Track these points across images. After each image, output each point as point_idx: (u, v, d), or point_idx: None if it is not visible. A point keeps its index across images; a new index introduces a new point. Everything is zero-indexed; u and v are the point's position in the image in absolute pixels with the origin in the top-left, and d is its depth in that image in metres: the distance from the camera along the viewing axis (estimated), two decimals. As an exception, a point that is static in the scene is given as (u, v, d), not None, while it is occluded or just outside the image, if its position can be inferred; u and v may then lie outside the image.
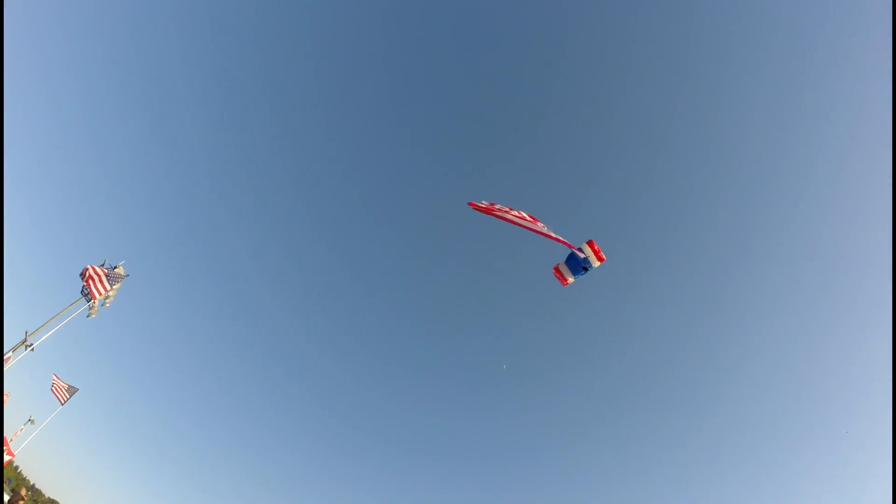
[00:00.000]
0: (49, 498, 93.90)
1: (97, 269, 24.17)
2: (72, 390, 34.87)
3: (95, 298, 24.79)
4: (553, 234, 17.89)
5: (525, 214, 18.47)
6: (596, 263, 18.34)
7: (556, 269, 19.70)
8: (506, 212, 18.27)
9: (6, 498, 25.39)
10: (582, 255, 18.12)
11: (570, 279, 19.43)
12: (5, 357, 21.76)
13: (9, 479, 69.23)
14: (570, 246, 18.01)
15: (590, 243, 18.05)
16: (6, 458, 33.80)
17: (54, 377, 35.33)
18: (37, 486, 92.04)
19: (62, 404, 35.79)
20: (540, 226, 18.16)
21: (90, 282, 23.81)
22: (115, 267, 23.72)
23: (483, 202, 18.42)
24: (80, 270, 23.22)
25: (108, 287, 23.06)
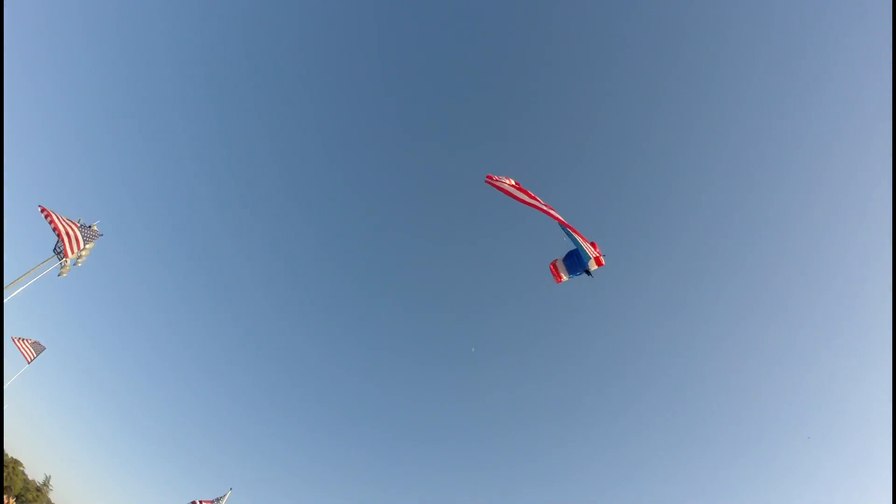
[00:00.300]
0: (12, 458, 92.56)
1: (71, 225, 23.66)
2: (38, 348, 34.26)
3: (68, 257, 24.33)
4: (570, 225, 17.58)
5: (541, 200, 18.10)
6: (594, 267, 18.15)
7: (553, 266, 19.51)
8: (524, 192, 17.96)
9: None
10: (585, 255, 17.69)
11: (565, 277, 19.27)
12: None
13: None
14: (579, 235, 17.53)
15: (593, 245, 17.75)
16: None
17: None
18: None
19: (28, 363, 35.15)
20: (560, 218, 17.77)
21: (65, 238, 23.34)
22: (91, 225, 23.26)
23: (502, 179, 18.05)
24: (44, 215, 22.43)
25: (82, 245, 22.66)
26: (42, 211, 22.90)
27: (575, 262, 18.68)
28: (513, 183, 17.93)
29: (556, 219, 17.62)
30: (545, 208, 17.69)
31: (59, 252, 24.49)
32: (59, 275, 25.76)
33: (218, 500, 26.19)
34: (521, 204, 18.06)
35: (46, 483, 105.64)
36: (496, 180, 18.00)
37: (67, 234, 23.52)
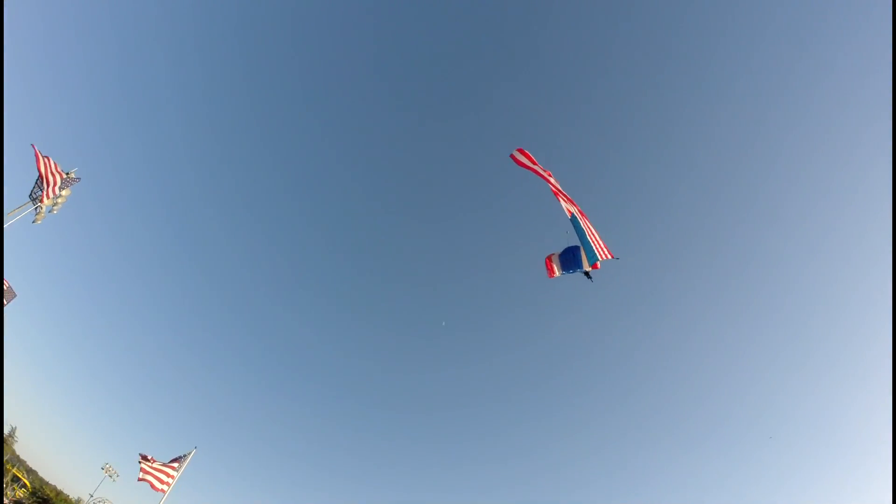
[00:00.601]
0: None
1: (56, 172, 23.12)
2: (10, 294, 33.62)
3: (44, 203, 23.86)
4: (588, 220, 17.23)
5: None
6: (588, 268, 17.97)
7: (549, 260, 19.22)
8: (548, 174, 17.62)
9: None
10: (593, 255, 17.21)
11: (558, 273, 19.02)
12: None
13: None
14: (592, 234, 17.12)
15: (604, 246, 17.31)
16: None
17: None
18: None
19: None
20: (577, 211, 17.35)
21: (45, 183, 22.85)
22: (69, 172, 22.80)
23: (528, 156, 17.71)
24: (35, 160, 22.12)
25: (58, 191, 22.24)
26: (35, 153, 22.37)
27: (570, 259, 18.46)
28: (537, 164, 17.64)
29: (577, 210, 17.19)
30: (567, 198, 17.34)
31: (36, 198, 23.99)
32: (33, 221, 25.27)
33: (181, 458, 26.34)
34: (537, 177, 17.72)
35: (12, 434, 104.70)
36: (523, 156, 17.67)
37: (47, 179, 23.04)
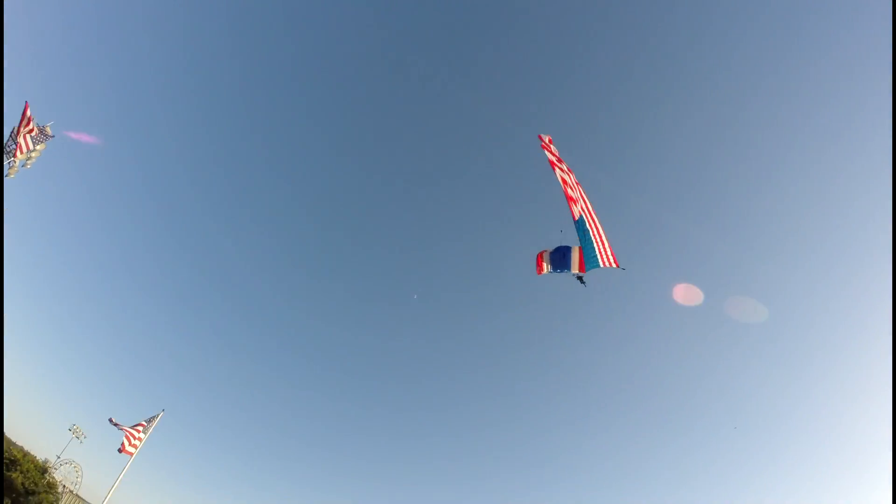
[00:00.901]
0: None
1: (34, 128, 22.77)
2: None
3: (17, 157, 23.49)
4: (598, 225, 16.78)
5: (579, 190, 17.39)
6: (575, 270, 17.83)
7: (540, 256, 19.01)
8: (563, 168, 17.40)
9: None
10: (594, 261, 16.75)
11: (546, 271, 18.82)
12: None
13: None
14: (600, 239, 16.70)
15: (579, 249, 17.22)
16: None
17: None
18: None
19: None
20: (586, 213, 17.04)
21: (21, 135, 22.51)
22: (44, 126, 22.44)
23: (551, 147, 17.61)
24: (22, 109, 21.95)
25: (32, 145, 21.91)
26: (25, 106, 22.07)
27: (560, 259, 18.25)
28: (549, 140, 17.66)
29: (588, 212, 16.91)
30: (580, 196, 17.12)
31: (9, 152, 23.60)
32: (6, 175, 24.88)
33: (149, 420, 26.64)
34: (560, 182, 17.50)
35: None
36: (549, 145, 17.60)
37: (23, 132, 22.69)
